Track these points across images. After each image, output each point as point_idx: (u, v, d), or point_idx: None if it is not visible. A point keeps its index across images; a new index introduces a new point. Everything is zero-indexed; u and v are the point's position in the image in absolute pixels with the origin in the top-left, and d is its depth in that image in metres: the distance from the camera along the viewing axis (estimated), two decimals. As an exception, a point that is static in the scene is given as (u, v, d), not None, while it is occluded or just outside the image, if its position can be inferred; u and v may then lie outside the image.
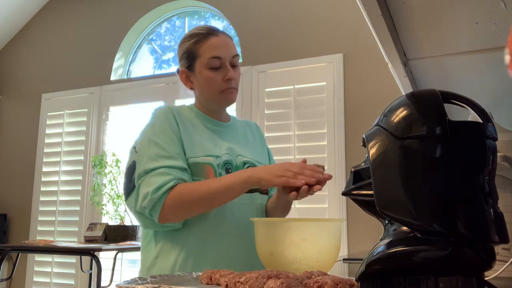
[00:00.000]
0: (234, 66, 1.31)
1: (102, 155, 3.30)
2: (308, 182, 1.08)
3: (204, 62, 1.27)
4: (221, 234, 1.23)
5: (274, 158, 1.55)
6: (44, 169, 4.07)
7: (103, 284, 2.64)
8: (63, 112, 4.09)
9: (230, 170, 1.27)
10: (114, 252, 2.81)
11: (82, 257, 3.40)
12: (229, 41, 1.32)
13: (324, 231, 0.92)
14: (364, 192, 0.69)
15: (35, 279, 3.89)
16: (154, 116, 1.29)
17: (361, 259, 0.66)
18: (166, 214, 1.15)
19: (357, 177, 0.71)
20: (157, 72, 4.01)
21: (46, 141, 4.12)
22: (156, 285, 0.72)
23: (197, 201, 1.16)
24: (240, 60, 3.35)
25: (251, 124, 1.51)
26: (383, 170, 0.64)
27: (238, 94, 1.35)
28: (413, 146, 0.62)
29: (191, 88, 1.34)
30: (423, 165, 0.62)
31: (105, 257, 3.32)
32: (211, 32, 1.30)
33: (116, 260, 2.78)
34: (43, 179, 4.06)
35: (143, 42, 4.10)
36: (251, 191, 1.26)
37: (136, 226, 3.07)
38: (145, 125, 1.29)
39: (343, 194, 0.72)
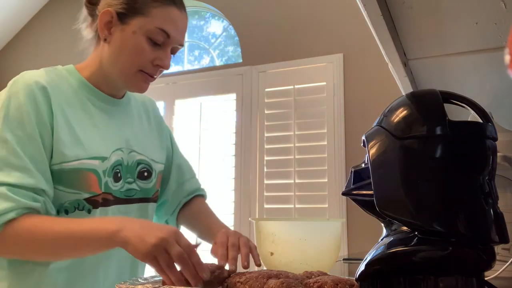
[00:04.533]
0: (172, 53, 1.05)
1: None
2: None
3: (148, 27, 0.98)
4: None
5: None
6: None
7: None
8: (63, 112, 4.08)
9: (119, 175, 1.01)
10: None
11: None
12: (186, 26, 1.06)
13: (324, 231, 0.92)
14: (364, 192, 0.69)
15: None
16: (11, 95, 0.91)
17: (361, 259, 0.66)
18: None
19: (357, 177, 0.71)
20: (157, 72, 4.01)
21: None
22: (156, 285, 0.72)
23: (38, 250, 0.87)
24: (240, 60, 3.35)
25: (147, 104, 1.22)
26: (383, 170, 0.64)
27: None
28: (413, 146, 0.62)
29: (104, 40, 1.02)
30: (423, 165, 0.62)
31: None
32: (176, 1, 1.02)
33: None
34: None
35: (143, 42, 4.10)
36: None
37: None
38: None
39: (343, 194, 0.72)
